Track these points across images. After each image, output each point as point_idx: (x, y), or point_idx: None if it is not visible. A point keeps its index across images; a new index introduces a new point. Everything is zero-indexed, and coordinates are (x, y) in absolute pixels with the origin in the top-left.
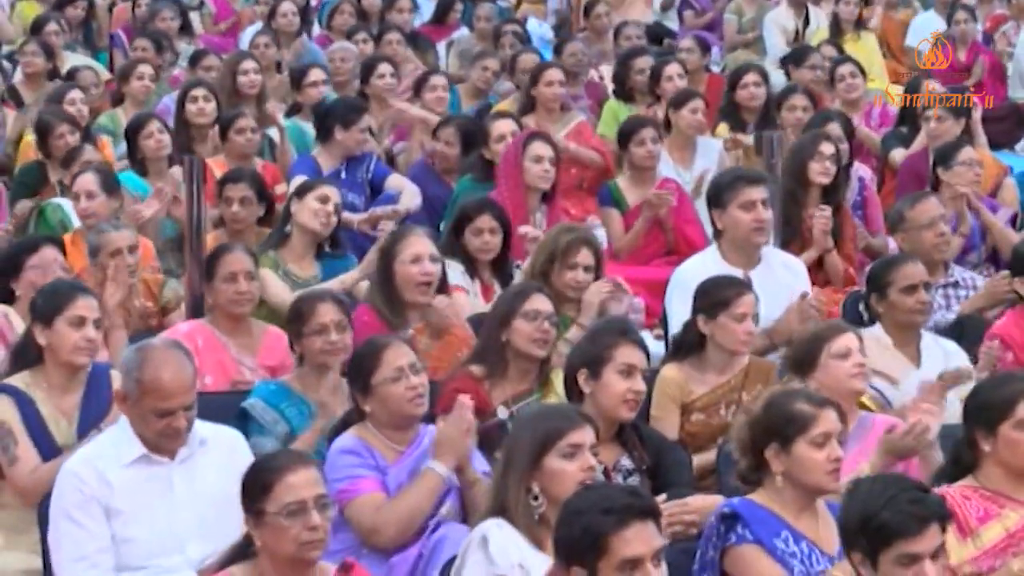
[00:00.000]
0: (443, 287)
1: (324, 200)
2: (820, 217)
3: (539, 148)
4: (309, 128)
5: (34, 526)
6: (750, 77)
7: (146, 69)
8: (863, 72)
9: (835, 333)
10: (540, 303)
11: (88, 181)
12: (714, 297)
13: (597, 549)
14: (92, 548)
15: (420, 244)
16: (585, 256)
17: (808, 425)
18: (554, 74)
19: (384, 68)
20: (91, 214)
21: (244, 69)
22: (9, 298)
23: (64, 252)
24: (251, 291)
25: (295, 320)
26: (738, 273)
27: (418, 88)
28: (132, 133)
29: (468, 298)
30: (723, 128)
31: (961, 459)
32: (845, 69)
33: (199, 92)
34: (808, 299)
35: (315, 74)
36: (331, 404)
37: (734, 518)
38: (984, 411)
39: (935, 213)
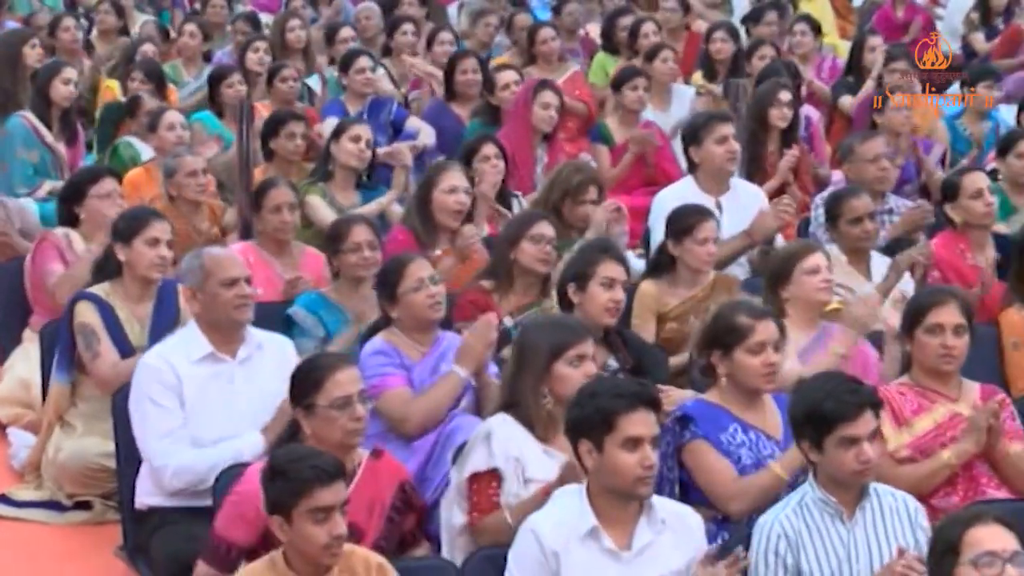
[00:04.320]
0: (470, 216)
1: (357, 139)
2: (790, 156)
3: (547, 96)
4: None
5: (108, 415)
6: (718, 34)
7: (190, 27)
8: (818, 30)
9: (807, 251)
10: (544, 228)
11: (178, 116)
12: (680, 224)
13: (606, 426)
14: (174, 425)
15: (457, 177)
16: (593, 192)
17: (746, 335)
18: (546, 32)
19: (407, 27)
20: (183, 142)
21: (291, 27)
22: (74, 221)
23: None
24: (293, 220)
25: (333, 239)
26: (710, 200)
27: (429, 43)
28: (215, 82)
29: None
30: (697, 76)
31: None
32: (798, 27)
33: (260, 44)
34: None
35: (345, 32)
36: (366, 312)
37: (686, 419)
38: (906, 318)
39: (880, 150)
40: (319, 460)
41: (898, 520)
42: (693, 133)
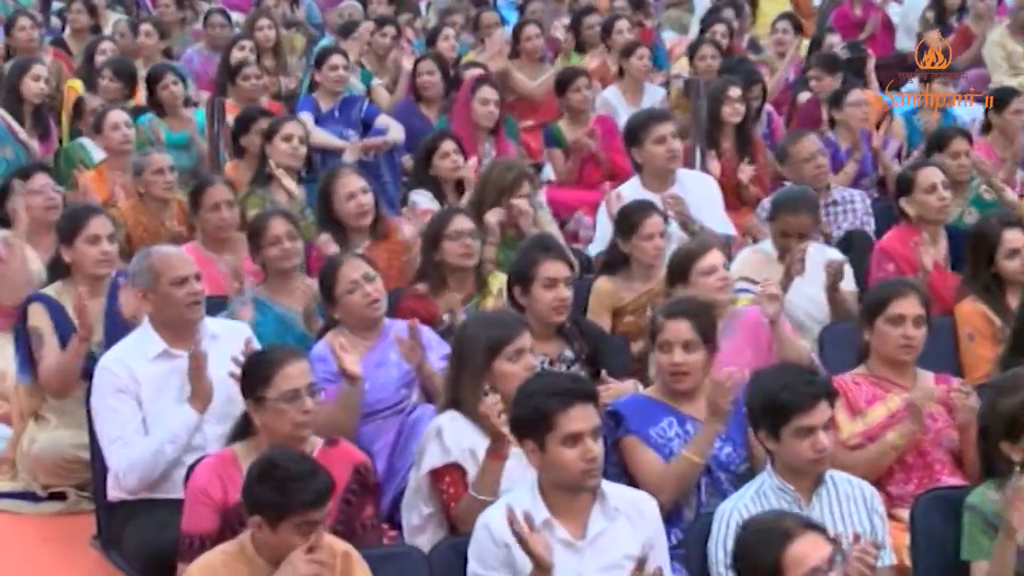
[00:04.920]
0: (378, 217)
1: (289, 138)
2: (746, 171)
3: (486, 92)
4: None
5: (80, 407)
6: (719, 27)
7: (146, 27)
8: (798, 28)
9: (702, 251)
10: (461, 223)
11: (122, 115)
12: (627, 222)
13: (545, 425)
14: (128, 429)
15: (352, 182)
16: (527, 187)
17: (657, 333)
18: (531, 30)
19: (388, 29)
20: (129, 140)
21: (260, 25)
22: (8, 222)
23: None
24: (232, 217)
25: (253, 236)
26: (656, 198)
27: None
28: (151, 83)
29: None
30: (684, 62)
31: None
32: (780, 24)
33: (247, 43)
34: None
35: (362, 27)
36: (299, 307)
37: (616, 415)
38: (866, 308)
39: (813, 149)
40: (319, 482)
41: (854, 506)
42: (633, 134)
